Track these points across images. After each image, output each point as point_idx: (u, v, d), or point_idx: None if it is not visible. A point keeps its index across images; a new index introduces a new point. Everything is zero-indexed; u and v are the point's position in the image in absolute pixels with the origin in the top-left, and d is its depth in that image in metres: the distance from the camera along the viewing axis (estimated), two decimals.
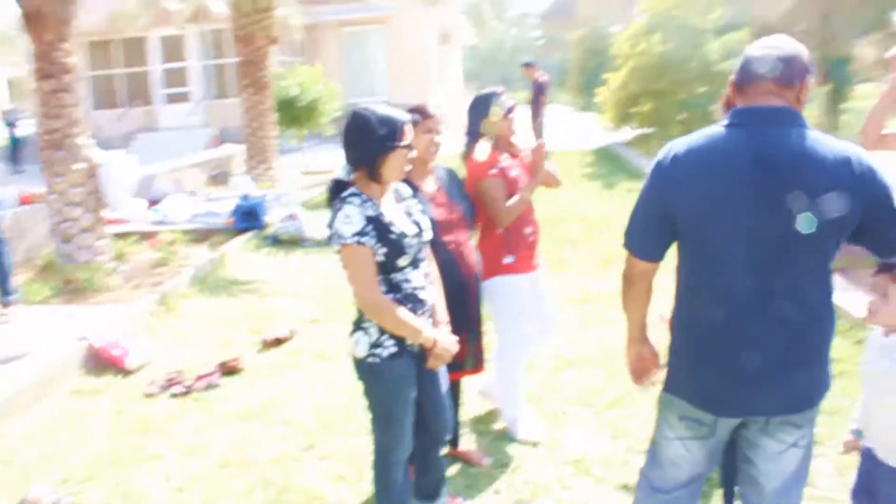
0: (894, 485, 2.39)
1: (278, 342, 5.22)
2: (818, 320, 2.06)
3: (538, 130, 14.08)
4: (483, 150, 3.49)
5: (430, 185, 3.19)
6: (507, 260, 3.52)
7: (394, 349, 2.60)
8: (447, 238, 3.11)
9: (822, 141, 1.97)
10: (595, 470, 3.46)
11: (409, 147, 2.59)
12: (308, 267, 7.29)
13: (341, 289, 6.54)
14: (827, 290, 2.07)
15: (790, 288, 2.00)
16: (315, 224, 8.19)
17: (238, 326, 5.62)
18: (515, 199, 3.44)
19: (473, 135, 3.54)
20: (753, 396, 2.07)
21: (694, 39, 13.58)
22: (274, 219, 8.45)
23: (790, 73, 2.00)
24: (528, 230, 3.59)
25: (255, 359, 4.97)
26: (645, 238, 2.13)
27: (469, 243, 3.29)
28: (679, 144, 2.07)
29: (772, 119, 1.99)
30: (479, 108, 3.53)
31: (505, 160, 3.52)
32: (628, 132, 16.13)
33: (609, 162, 13.84)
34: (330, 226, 2.53)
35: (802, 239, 1.94)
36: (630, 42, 14.74)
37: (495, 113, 3.48)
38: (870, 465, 2.49)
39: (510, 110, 3.53)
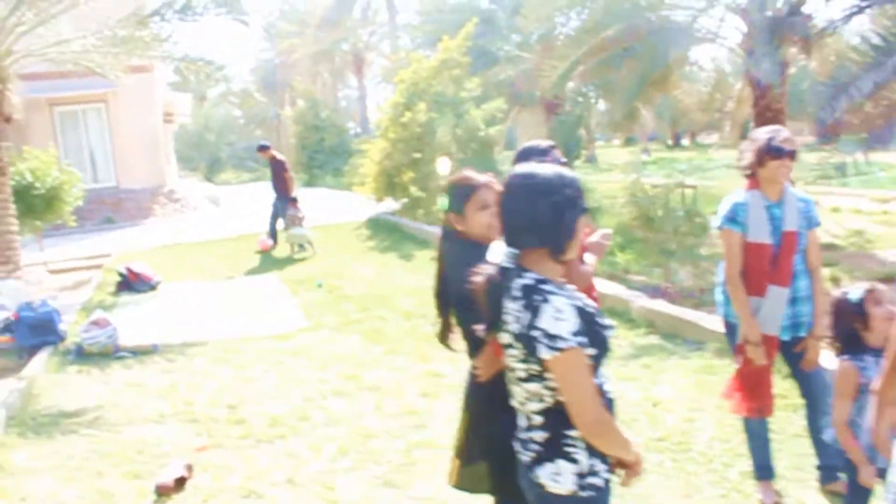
0: None
1: (180, 484, 4.07)
2: None
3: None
4: None
5: None
6: None
7: (607, 475, 2.01)
8: None
9: None
10: None
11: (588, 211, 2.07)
12: (142, 382, 5.90)
13: (200, 403, 5.44)
14: None
15: None
16: (128, 330, 6.79)
17: (106, 473, 4.29)
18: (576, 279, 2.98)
19: None
20: None
21: (456, 108, 14.07)
22: (71, 328, 6.87)
23: None
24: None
25: None
26: None
27: None
28: None
29: None
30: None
31: None
32: (392, 203, 15.86)
33: (389, 233, 13.56)
34: (529, 326, 1.89)
35: None
36: (390, 113, 14.83)
37: None
38: None
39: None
